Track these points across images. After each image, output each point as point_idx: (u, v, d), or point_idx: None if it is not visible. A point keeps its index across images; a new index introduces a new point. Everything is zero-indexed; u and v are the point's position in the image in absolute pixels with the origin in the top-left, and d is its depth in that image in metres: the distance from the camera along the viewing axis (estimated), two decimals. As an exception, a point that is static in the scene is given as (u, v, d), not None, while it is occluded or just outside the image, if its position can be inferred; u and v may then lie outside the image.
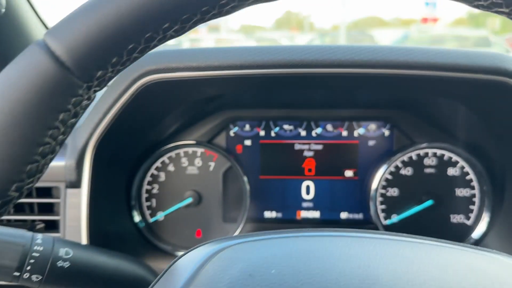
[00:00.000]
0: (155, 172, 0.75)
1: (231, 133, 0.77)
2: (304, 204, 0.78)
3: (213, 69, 0.55)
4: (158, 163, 0.75)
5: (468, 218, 0.75)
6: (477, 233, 0.73)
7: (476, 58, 0.55)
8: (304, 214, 0.78)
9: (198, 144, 0.75)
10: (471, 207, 0.75)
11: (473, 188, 0.74)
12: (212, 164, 0.75)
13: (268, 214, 0.78)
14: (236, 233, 0.74)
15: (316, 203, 0.78)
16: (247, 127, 0.77)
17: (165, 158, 0.75)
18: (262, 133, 0.77)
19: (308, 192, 0.78)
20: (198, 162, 0.75)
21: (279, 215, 0.78)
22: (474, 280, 0.28)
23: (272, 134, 0.77)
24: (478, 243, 0.72)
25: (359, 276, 0.27)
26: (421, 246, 0.32)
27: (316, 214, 0.78)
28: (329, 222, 0.78)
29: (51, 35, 0.25)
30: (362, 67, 0.56)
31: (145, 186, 0.75)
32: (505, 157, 0.68)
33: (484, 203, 0.73)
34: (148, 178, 0.75)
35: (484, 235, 0.72)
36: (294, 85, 0.64)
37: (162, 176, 0.75)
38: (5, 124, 0.25)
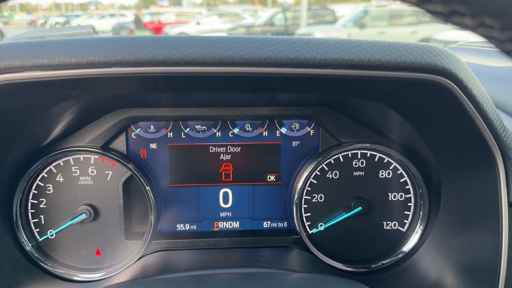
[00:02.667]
0: (41, 184, 0.63)
1: (133, 135, 0.66)
2: (222, 214, 0.69)
3: (78, 67, 0.43)
4: (43, 173, 0.63)
5: (403, 225, 0.68)
6: (410, 244, 0.66)
7: (401, 52, 0.46)
8: (222, 225, 0.69)
9: (90, 149, 0.63)
10: (406, 212, 0.68)
11: (407, 192, 0.67)
12: (109, 173, 0.64)
13: (181, 226, 0.68)
14: (141, 252, 0.64)
15: (235, 212, 0.69)
16: (152, 128, 0.66)
17: (51, 167, 0.63)
18: (170, 134, 0.66)
19: (226, 201, 0.68)
20: (92, 171, 0.64)
21: (194, 227, 0.68)
22: None
23: (182, 135, 0.66)
24: (409, 254, 0.66)
25: None
26: None
27: (235, 224, 0.69)
28: (249, 232, 0.69)
29: None
30: (274, 66, 0.45)
31: (30, 201, 0.63)
32: (441, 164, 0.60)
33: (420, 208, 0.66)
34: (32, 191, 0.63)
35: (418, 246, 0.66)
36: (199, 86, 0.53)
37: (50, 188, 0.64)
38: None
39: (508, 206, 0.49)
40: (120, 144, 0.65)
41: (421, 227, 0.66)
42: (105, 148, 0.64)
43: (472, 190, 0.55)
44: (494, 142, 0.48)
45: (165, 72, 0.43)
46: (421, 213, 0.66)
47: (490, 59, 0.76)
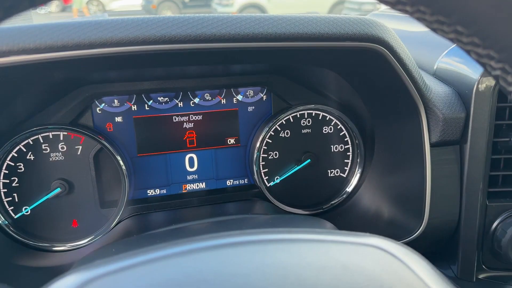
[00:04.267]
0: (12, 163, 0.65)
1: (98, 111, 0.69)
2: (189, 177, 0.75)
3: (56, 50, 0.46)
4: (13, 153, 0.65)
5: (343, 171, 0.80)
6: (350, 186, 0.78)
7: (344, 25, 0.55)
8: (189, 187, 0.75)
9: (59, 126, 0.65)
10: (346, 161, 0.80)
11: (346, 143, 0.79)
12: (79, 148, 0.67)
13: (152, 192, 0.74)
14: (117, 218, 0.69)
15: (201, 175, 0.76)
16: (116, 102, 0.69)
17: (21, 147, 0.65)
18: (134, 107, 0.70)
19: (191, 165, 0.75)
20: (62, 147, 0.66)
21: (164, 191, 0.74)
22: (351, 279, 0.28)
23: (146, 107, 0.71)
24: (352, 194, 0.78)
25: None
26: (299, 246, 0.32)
27: (202, 185, 0.76)
28: (215, 191, 0.77)
29: None
30: (227, 41, 0.51)
31: (2, 181, 0.65)
32: (374, 118, 0.72)
33: (357, 156, 0.78)
34: (3, 171, 0.65)
35: (357, 187, 0.78)
36: (160, 62, 0.58)
37: (22, 167, 0.65)
38: None
39: (429, 146, 0.62)
40: (86, 119, 0.68)
41: (359, 171, 0.78)
42: (73, 124, 0.66)
43: (400, 136, 0.68)
44: (418, 96, 0.60)
45: (124, 52, 0.48)
46: (358, 160, 0.78)
47: (408, 24, 0.88)
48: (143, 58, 0.53)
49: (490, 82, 0.61)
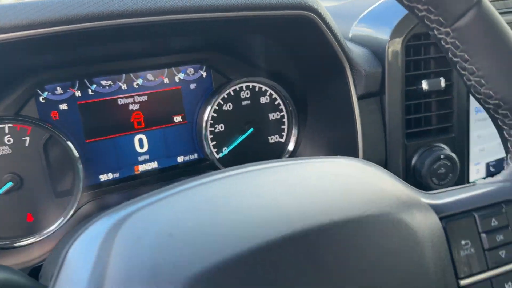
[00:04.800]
0: (-48, 163, 0.61)
1: (41, 100, 0.67)
2: (140, 158, 0.77)
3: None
4: (-47, 152, 0.61)
5: (282, 136, 0.87)
6: (290, 147, 0.87)
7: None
8: (142, 167, 0.77)
9: (2, 118, 0.63)
10: (283, 127, 0.88)
11: (282, 111, 0.87)
12: (26, 139, 0.65)
13: (104, 177, 0.74)
14: (74, 206, 0.68)
15: (152, 154, 0.78)
16: (59, 90, 0.68)
17: (-39, 144, 0.61)
18: (78, 93, 0.70)
19: (141, 146, 0.76)
20: (8, 140, 0.64)
21: (116, 175, 0.75)
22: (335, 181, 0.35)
23: (90, 92, 0.71)
24: (292, 154, 0.87)
25: (263, 207, 0.31)
26: (289, 167, 0.38)
27: (154, 165, 0.78)
28: (167, 169, 0.79)
29: None
30: (164, 14, 0.55)
31: None
32: (305, 83, 0.81)
33: (292, 121, 0.87)
34: None
35: (296, 148, 0.87)
36: (94, 39, 0.59)
37: (-36, 165, 0.62)
38: None
39: (357, 99, 0.72)
40: (31, 110, 0.66)
41: (295, 134, 0.87)
42: (18, 115, 0.64)
43: (331, 95, 0.77)
44: (344, 57, 0.70)
45: (50, 32, 0.50)
46: (293, 124, 0.87)
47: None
48: (69, 38, 0.54)
49: (398, 42, 0.73)
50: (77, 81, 0.69)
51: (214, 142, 0.81)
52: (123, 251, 0.28)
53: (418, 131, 0.77)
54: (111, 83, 0.72)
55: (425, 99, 0.78)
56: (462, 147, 0.81)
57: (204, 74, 0.80)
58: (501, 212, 0.39)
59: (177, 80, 0.78)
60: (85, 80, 0.70)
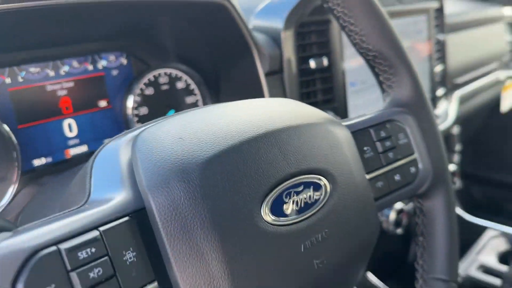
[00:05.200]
0: None
1: (-31, 86, 0.67)
2: (71, 142, 0.80)
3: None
4: None
5: (198, 118, 0.98)
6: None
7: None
8: (73, 151, 0.80)
9: None
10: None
11: (196, 95, 0.98)
12: (-41, 124, 0.65)
13: (38, 162, 0.75)
14: (13, 191, 0.69)
15: (82, 138, 0.81)
16: (-12, 76, 0.69)
17: None
18: (8, 80, 0.71)
19: (71, 130, 0.80)
20: None
21: (49, 159, 0.77)
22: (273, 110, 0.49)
23: (20, 79, 0.72)
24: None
25: (237, 120, 0.43)
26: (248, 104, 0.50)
27: (84, 148, 0.82)
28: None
29: None
30: None
31: None
32: (217, 67, 0.93)
33: (207, 103, 0.98)
34: None
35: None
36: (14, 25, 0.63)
37: None
38: None
39: (264, 77, 0.87)
40: (-41, 95, 0.66)
41: (211, 115, 0.98)
42: None
43: (241, 76, 0.91)
44: (252, 42, 0.84)
45: None
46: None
47: None
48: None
49: (290, 30, 0.90)
50: (7, 68, 0.71)
51: (139, 125, 0.88)
52: (149, 151, 0.37)
53: (310, 102, 0.96)
54: (40, 70, 0.75)
55: (313, 76, 0.97)
56: (343, 114, 1.02)
57: (125, 62, 0.87)
58: (386, 127, 0.57)
59: (100, 67, 0.83)
60: (14, 67, 0.71)
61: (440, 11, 1.29)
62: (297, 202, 0.41)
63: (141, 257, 0.34)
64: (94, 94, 0.82)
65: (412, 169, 0.57)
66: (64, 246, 0.30)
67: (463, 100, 1.46)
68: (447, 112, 1.28)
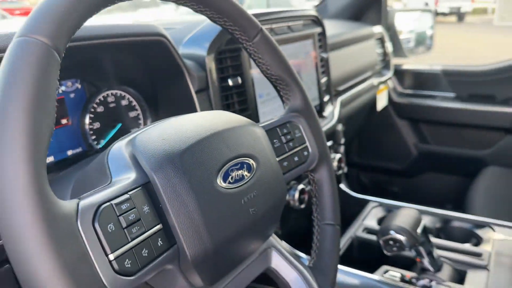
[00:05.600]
0: None
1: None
2: (40, 154, 0.96)
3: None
4: None
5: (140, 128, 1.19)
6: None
7: (139, 27, 0.96)
8: (42, 162, 0.97)
9: None
10: (140, 122, 1.19)
11: (137, 110, 1.19)
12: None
13: None
14: None
15: (49, 150, 0.98)
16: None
17: None
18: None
19: (40, 144, 0.96)
20: None
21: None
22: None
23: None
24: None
25: (195, 128, 0.68)
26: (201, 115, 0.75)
27: (51, 158, 0.99)
28: (61, 161, 1.01)
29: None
30: None
31: None
32: (155, 87, 1.15)
33: (146, 117, 1.20)
34: None
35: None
36: None
37: None
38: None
39: (195, 94, 1.12)
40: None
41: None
42: None
43: (176, 94, 1.14)
44: (184, 67, 1.08)
45: None
46: (147, 119, 1.20)
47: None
48: None
49: (211, 56, 1.16)
50: None
51: (94, 137, 1.07)
52: (145, 147, 0.61)
53: (230, 111, 1.23)
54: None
55: (231, 91, 1.24)
56: (255, 119, 1.31)
57: (79, 86, 1.05)
58: (286, 126, 0.86)
59: (60, 91, 1.01)
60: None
61: (322, 34, 1.66)
62: (237, 174, 0.68)
63: (151, 210, 0.58)
64: (57, 114, 1.00)
65: (305, 153, 0.87)
66: (113, 202, 0.53)
67: (344, 103, 1.85)
68: (332, 113, 1.65)
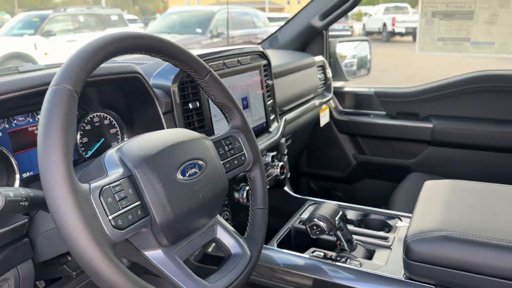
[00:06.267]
0: None
1: (-12, 131, 1.12)
2: (43, 162, 1.26)
3: None
4: None
5: (119, 142, 1.51)
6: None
7: (116, 68, 1.29)
8: (45, 167, 1.27)
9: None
10: (118, 137, 1.51)
11: (116, 127, 1.50)
12: (-13, 153, 1.09)
13: (25, 174, 1.21)
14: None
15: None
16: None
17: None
18: (6, 125, 1.17)
19: (43, 154, 1.26)
20: (-22, 154, 1.07)
21: (31, 173, 1.23)
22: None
23: (13, 124, 1.18)
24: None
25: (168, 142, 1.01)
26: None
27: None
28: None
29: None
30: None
31: None
32: (132, 110, 1.48)
33: (124, 133, 1.51)
34: None
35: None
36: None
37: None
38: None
39: (163, 115, 1.45)
40: (-16, 136, 1.10)
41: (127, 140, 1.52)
42: None
43: (147, 115, 1.46)
44: (154, 94, 1.41)
45: None
46: (124, 135, 1.52)
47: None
48: None
49: (175, 86, 1.50)
50: (6, 119, 1.16)
51: (83, 149, 1.38)
52: (129, 152, 0.94)
53: (191, 128, 1.57)
54: (23, 119, 1.21)
55: (191, 113, 1.58)
56: (211, 134, 1.65)
57: (73, 110, 1.36)
58: (229, 138, 1.21)
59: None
60: (10, 118, 1.18)
61: (268, 65, 2.03)
62: (191, 171, 1.02)
63: (134, 191, 0.90)
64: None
65: (243, 158, 1.22)
66: (111, 185, 0.86)
67: (289, 121, 2.22)
68: (277, 129, 2.01)
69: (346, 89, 3.06)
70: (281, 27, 2.80)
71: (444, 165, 2.70)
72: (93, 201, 0.81)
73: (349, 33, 23.74)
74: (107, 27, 12.52)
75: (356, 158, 2.99)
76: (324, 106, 2.77)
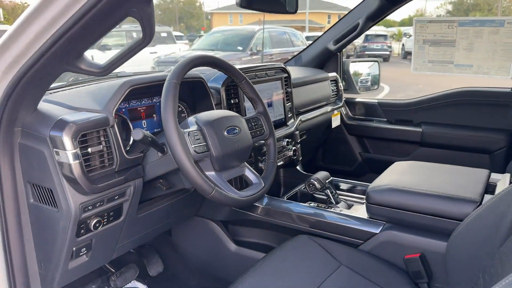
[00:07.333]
0: None
1: (119, 107, 1.97)
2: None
3: None
4: None
5: (185, 123, 2.33)
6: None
7: (190, 75, 2.12)
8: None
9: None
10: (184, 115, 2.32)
11: (185, 113, 2.32)
12: (118, 120, 1.94)
13: (135, 135, 2.04)
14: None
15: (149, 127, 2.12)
16: (123, 104, 1.99)
17: None
18: (128, 105, 2.01)
19: (144, 125, 2.10)
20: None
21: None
22: None
23: (131, 105, 2.03)
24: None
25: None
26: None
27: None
28: (154, 133, 2.14)
29: None
30: None
31: None
32: (196, 102, 2.30)
33: (189, 115, 2.33)
34: None
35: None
36: None
37: None
38: None
39: (214, 105, 2.25)
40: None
41: (191, 122, 2.35)
42: None
43: (205, 105, 2.28)
44: (210, 92, 2.23)
45: None
46: (190, 115, 2.34)
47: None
48: None
49: (223, 87, 2.31)
50: (127, 101, 2.01)
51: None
52: (199, 118, 1.76)
53: (232, 116, 2.38)
54: (136, 102, 2.06)
55: (232, 106, 2.39)
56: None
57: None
58: (256, 118, 2.02)
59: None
60: (128, 101, 2.02)
61: (288, 77, 2.82)
62: (232, 132, 1.82)
63: (202, 137, 1.71)
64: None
65: (262, 131, 2.02)
66: (193, 132, 1.69)
67: (304, 120, 3.00)
68: (293, 124, 2.80)
69: (355, 99, 3.81)
70: (304, 49, 3.60)
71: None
72: (186, 138, 1.63)
73: (387, 53, 24.21)
74: (157, 43, 13.80)
75: (362, 156, 3.70)
76: (335, 112, 3.52)
